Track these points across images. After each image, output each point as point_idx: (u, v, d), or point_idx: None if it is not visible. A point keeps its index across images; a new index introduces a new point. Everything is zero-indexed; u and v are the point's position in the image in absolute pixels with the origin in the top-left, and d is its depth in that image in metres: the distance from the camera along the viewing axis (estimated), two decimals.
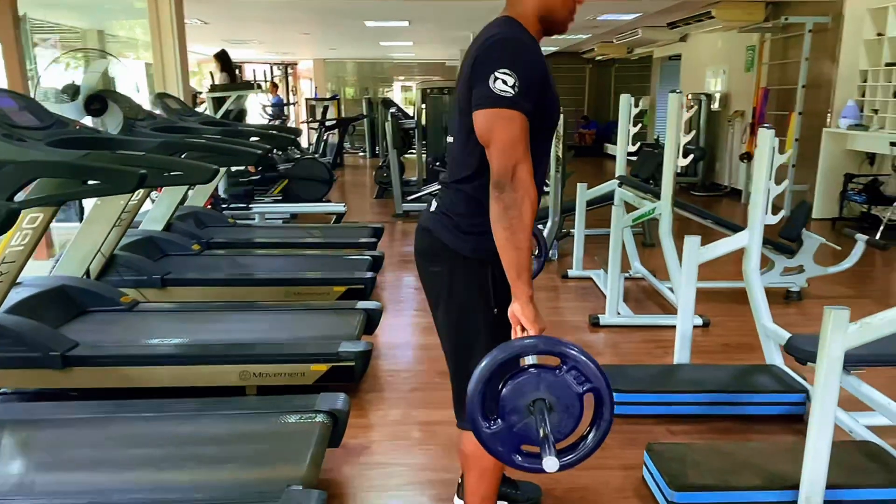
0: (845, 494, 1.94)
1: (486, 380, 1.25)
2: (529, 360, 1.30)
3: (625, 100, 4.43)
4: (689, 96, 9.35)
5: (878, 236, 5.50)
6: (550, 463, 1.19)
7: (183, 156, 3.24)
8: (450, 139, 1.62)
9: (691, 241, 2.78)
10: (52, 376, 2.63)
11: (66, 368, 2.62)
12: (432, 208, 1.64)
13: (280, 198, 7.08)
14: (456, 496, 2.07)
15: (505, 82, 1.35)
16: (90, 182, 2.14)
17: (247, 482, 1.80)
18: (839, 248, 4.22)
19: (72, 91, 3.34)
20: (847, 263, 4.06)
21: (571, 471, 2.26)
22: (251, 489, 1.75)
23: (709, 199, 8.33)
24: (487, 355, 1.27)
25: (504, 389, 1.26)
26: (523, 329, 1.41)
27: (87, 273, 3.43)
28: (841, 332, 1.77)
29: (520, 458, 1.28)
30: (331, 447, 2.17)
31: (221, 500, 1.69)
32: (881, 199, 6.10)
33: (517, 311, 1.41)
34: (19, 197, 1.99)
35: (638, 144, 4.65)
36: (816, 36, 6.75)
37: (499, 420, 1.26)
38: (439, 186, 1.68)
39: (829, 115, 6.67)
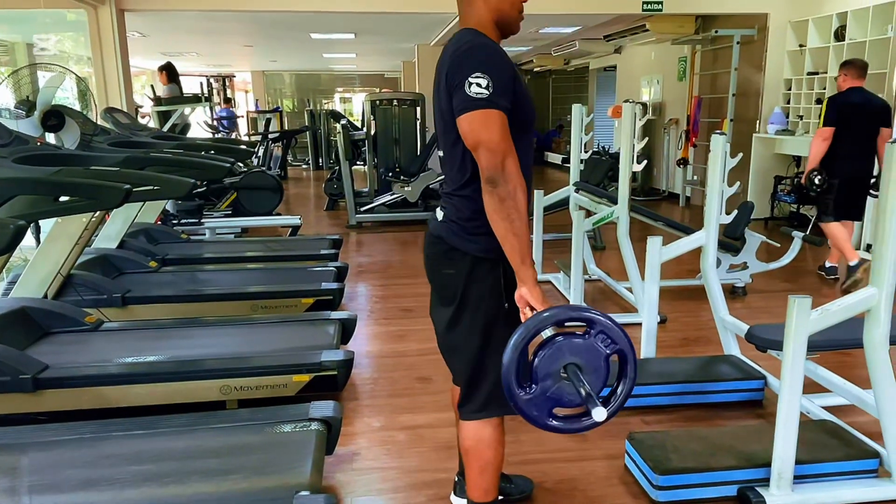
0: (811, 469, 2.11)
1: (522, 349, 1.34)
2: (547, 332, 1.40)
3: (577, 110, 4.62)
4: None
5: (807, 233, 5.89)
6: (600, 412, 1.30)
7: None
8: (440, 153, 1.76)
9: (654, 242, 2.94)
10: (23, 400, 2.54)
11: (38, 391, 2.54)
12: (439, 217, 1.72)
13: (229, 212, 6.97)
14: (453, 494, 2.13)
15: (479, 84, 1.46)
16: (70, 198, 2.11)
17: (253, 492, 1.81)
18: (778, 244, 4.52)
19: (27, 107, 3.24)
20: (786, 259, 4.36)
21: (559, 464, 2.38)
22: (263, 498, 1.76)
23: (649, 204, 8.68)
24: (521, 327, 1.36)
25: (538, 357, 1.36)
26: (532, 310, 1.50)
27: (45, 294, 3.32)
28: (805, 319, 1.95)
29: (554, 422, 1.37)
30: (326, 454, 2.19)
31: None
32: (808, 199, 6.53)
33: (525, 293, 1.51)
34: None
35: (590, 153, 4.85)
36: (744, 47, 7.19)
37: (534, 386, 1.35)
38: (443, 197, 1.76)
39: (758, 121, 7.10)
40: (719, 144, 2.87)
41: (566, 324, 1.39)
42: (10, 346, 2.67)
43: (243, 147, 4.82)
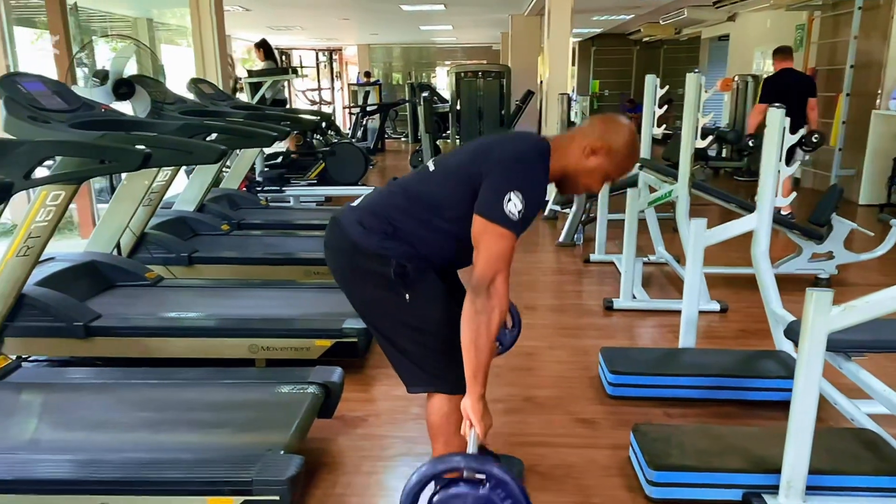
0: (829, 480, 1.90)
1: (415, 494, 1.40)
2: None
3: (650, 80, 4.35)
4: (736, 78, 9.07)
5: None
6: None
7: (209, 137, 3.37)
8: (431, 167, 1.66)
9: (697, 224, 2.73)
10: (76, 345, 2.79)
11: (89, 338, 2.78)
12: (354, 203, 1.73)
13: (316, 181, 7.23)
14: None
15: (515, 206, 1.50)
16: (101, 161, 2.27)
17: (233, 446, 1.90)
18: (871, 234, 4.06)
19: (102, 76, 3.50)
20: (880, 250, 3.90)
21: (561, 448, 2.31)
22: (236, 452, 1.84)
23: (752, 185, 8.07)
24: (420, 468, 1.41)
25: (437, 496, 1.42)
26: (471, 424, 1.53)
27: (119, 250, 3.61)
28: (823, 315, 1.74)
29: None
30: (323, 418, 2.25)
31: (207, 461, 1.78)
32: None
33: (467, 406, 1.53)
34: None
35: (663, 127, 4.57)
36: (867, 13, 6.43)
37: None
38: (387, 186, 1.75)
39: (878, 96, 6.36)
40: (776, 119, 2.60)
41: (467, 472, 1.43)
42: (71, 296, 2.93)
43: (310, 118, 4.96)
